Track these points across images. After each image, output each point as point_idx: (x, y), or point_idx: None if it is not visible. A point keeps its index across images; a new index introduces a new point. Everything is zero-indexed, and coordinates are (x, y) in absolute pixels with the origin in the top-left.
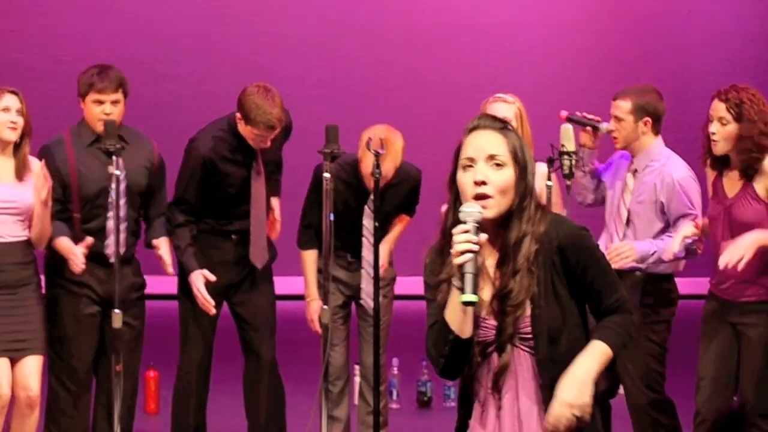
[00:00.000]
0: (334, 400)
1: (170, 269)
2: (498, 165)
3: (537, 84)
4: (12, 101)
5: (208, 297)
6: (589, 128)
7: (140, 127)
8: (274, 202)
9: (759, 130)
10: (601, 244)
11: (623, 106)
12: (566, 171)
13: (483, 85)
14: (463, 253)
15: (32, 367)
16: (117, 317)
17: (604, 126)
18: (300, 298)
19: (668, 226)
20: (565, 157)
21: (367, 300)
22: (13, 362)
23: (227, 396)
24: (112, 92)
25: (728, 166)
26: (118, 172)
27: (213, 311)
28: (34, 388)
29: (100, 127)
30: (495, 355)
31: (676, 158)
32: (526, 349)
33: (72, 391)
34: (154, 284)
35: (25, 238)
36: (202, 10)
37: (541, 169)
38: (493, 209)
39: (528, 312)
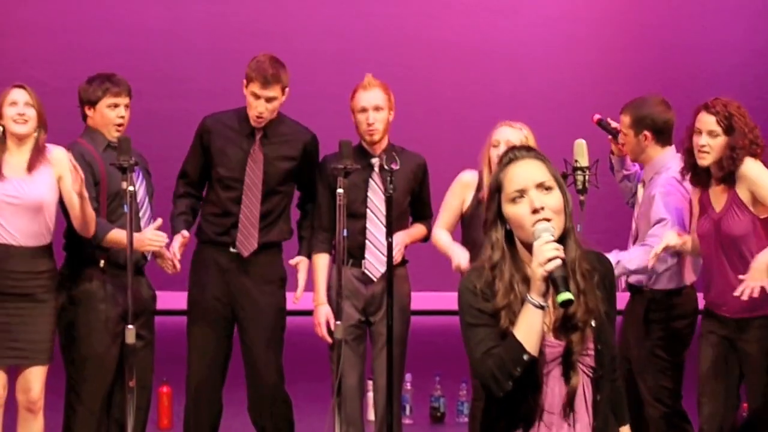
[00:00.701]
0: (348, 418)
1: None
2: (548, 189)
3: (550, 100)
4: (19, 95)
5: (177, 252)
6: (610, 137)
7: (156, 143)
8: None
9: (750, 141)
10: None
11: (624, 121)
12: (579, 186)
13: (499, 102)
14: (551, 260)
15: (35, 377)
16: (130, 333)
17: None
18: (307, 313)
19: None
20: (579, 172)
21: (371, 267)
22: (16, 371)
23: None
24: (126, 96)
25: (710, 180)
26: (131, 189)
27: (178, 263)
28: (35, 392)
29: (113, 132)
30: (554, 376)
31: (674, 169)
32: (585, 369)
33: (93, 410)
34: (168, 299)
35: (42, 246)
36: (217, 28)
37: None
38: (555, 232)
39: (589, 331)
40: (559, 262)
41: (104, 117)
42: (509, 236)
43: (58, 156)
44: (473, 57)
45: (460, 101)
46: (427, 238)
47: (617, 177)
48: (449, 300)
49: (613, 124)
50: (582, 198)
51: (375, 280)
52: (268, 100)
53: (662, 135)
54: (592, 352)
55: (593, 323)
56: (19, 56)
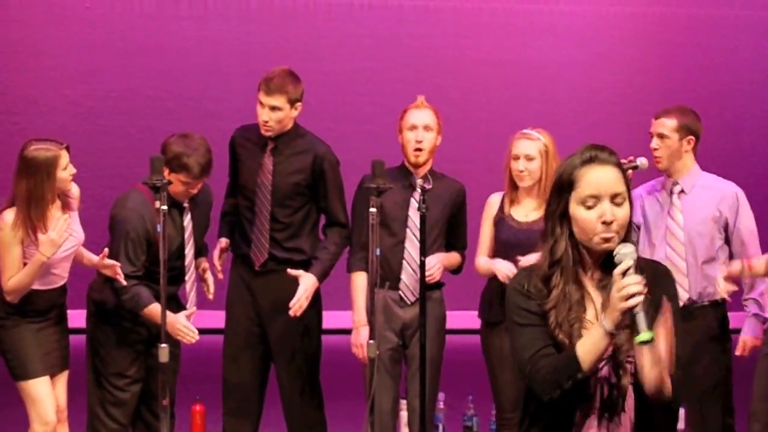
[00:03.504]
0: None
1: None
2: (620, 201)
3: (582, 120)
4: (67, 155)
5: (218, 264)
6: (629, 171)
7: None
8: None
9: None
10: None
11: (669, 124)
12: None
13: (531, 121)
14: (633, 295)
15: (59, 381)
16: (163, 351)
17: (642, 161)
18: (344, 332)
19: (727, 241)
20: None
21: (405, 290)
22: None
23: None
24: (200, 179)
25: None
26: (164, 208)
27: (220, 276)
28: (62, 400)
29: (181, 197)
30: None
31: (725, 181)
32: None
33: (121, 425)
34: (202, 319)
35: (66, 276)
36: (249, 48)
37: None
38: (615, 245)
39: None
40: (641, 298)
41: (175, 186)
42: (572, 236)
43: (76, 192)
44: (506, 77)
45: (493, 121)
46: (460, 268)
47: None
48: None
49: (623, 161)
50: None
51: (410, 302)
52: (272, 108)
53: (697, 145)
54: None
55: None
56: (54, 76)
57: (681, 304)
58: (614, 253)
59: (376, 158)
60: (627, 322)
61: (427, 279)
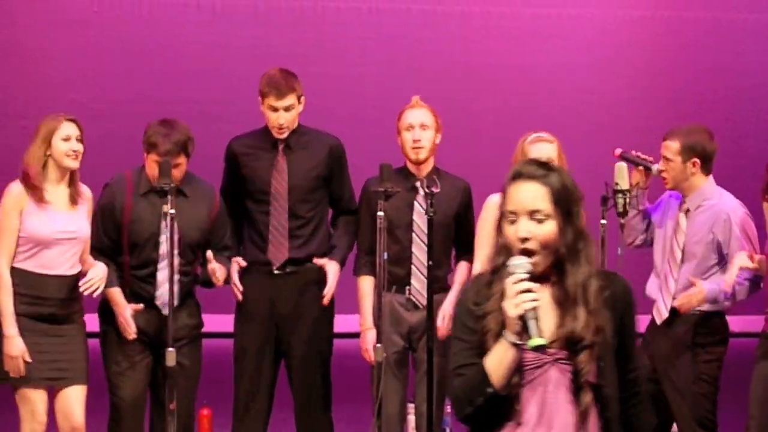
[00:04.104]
0: None
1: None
2: (541, 218)
3: (590, 123)
4: (72, 129)
5: (238, 284)
6: (641, 168)
7: (195, 166)
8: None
9: None
10: (652, 285)
11: (672, 147)
12: (620, 209)
13: (540, 125)
14: (524, 302)
15: (75, 396)
16: (170, 355)
17: (654, 167)
18: (351, 336)
19: (722, 261)
20: (620, 195)
21: (417, 294)
22: (55, 392)
23: None
24: (174, 156)
25: None
26: (173, 211)
27: (240, 297)
28: (78, 417)
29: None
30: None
31: (729, 196)
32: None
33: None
34: (210, 322)
35: (77, 272)
36: (255, 52)
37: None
38: (539, 265)
39: (596, 351)
40: (530, 305)
41: (149, 167)
42: None
43: (88, 196)
44: (514, 81)
45: (501, 125)
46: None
47: (630, 213)
48: None
49: (642, 156)
50: (622, 221)
51: (421, 306)
52: (286, 109)
53: (708, 164)
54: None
55: (599, 341)
56: (62, 79)
57: (659, 320)
58: (507, 264)
59: (383, 161)
60: (520, 329)
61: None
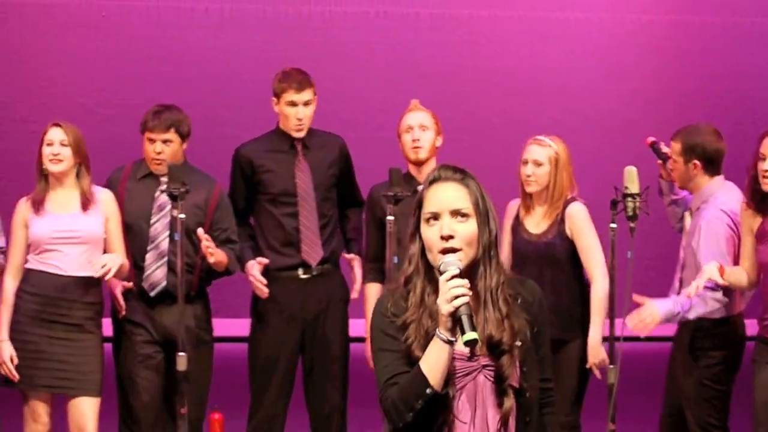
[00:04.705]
0: None
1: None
2: (463, 217)
3: (599, 127)
4: (56, 134)
5: (262, 279)
6: (660, 162)
7: (205, 168)
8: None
9: None
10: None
11: (675, 148)
12: (630, 213)
13: (546, 129)
14: (456, 297)
15: (87, 408)
16: (181, 360)
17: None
18: (359, 340)
19: None
20: (629, 199)
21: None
22: (66, 399)
23: None
24: (162, 131)
25: None
26: (182, 216)
27: (266, 292)
28: (90, 429)
29: (153, 166)
30: (476, 396)
31: (722, 199)
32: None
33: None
34: (221, 326)
35: (88, 275)
36: (264, 57)
37: None
38: (462, 261)
39: (517, 355)
40: (464, 300)
41: (144, 149)
42: (425, 252)
43: (105, 198)
44: (521, 84)
45: (507, 128)
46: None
47: (665, 201)
48: None
49: (665, 149)
50: (632, 225)
51: None
52: (306, 104)
53: (712, 164)
54: (519, 377)
55: (519, 344)
56: (70, 84)
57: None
58: (439, 263)
59: (392, 166)
60: (452, 326)
61: None
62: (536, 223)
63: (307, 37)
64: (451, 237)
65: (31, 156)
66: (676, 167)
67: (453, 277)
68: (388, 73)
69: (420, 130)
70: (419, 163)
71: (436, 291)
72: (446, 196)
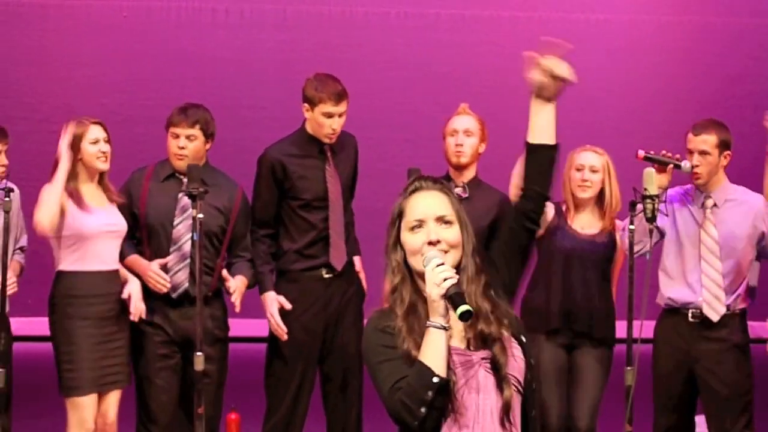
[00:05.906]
0: None
1: (236, 306)
2: (447, 223)
3: (616, 129)
4: (99, 132)
5: (281, 322)
6: (670, 166)
7: (224, 170)
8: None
9: None
10: (673, 288)
11: (710, 140)
12: (649, 215)
13: (566, 130)
14: (446, 279)
15: (114, 396)
16: (199, 359)
17: (686, 165)
18: None
19: (761, 255)
20: (648, 201)
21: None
22: (101, 395)
23: None
24: (187, 126)
25: None
26: (201, 216)
27: (285, 337)
28: (111, 415)
29: (176, 162)
30: (478, 388)
31: (744, 189)
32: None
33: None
34: (237, 326)
35: (117, 269)
36: (285, 56)
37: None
38: (447, 262)
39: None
40: (453, 280)
41: (168, 145)
42: (407, 260)
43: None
44: None
45: (527, 130)
46: None
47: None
48: None
49: (668, 154)
50: (651, 226)
51: None
52: (341, 115)
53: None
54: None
55: (505, 333)
56: (91, 85)
57: (717, 317)
58: (422, 257)
59: (410, 166)
60: (445, 310)
61: None
62: (582, 226)
63: (327, 38)
64: (438, 242)
65: (54, 155)
66: (709, 160)
67: (438, 265)
68: (408, 73)
69: (464, 135)
70: (460, 168)
71: (423, 299)
72: (430, 204)
